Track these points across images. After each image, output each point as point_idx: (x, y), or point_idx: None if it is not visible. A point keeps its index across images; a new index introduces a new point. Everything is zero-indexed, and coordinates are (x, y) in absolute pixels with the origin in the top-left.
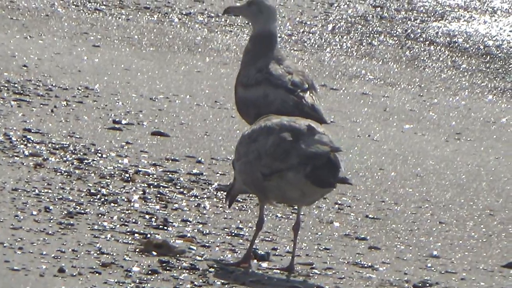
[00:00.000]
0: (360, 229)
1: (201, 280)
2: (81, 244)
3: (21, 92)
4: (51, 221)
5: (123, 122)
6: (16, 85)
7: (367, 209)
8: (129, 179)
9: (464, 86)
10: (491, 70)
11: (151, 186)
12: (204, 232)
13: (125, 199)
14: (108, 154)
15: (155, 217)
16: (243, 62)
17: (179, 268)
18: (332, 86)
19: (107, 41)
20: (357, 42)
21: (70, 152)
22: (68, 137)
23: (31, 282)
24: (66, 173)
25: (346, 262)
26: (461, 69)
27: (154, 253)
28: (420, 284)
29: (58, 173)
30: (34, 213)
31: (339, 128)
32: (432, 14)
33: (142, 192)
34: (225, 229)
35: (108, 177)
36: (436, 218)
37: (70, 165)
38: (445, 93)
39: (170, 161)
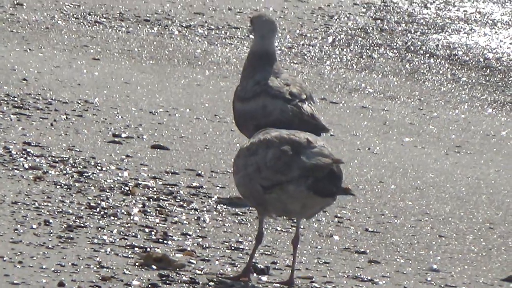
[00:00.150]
0: (359, 242)
1: None
2: (81, 258)
3: (21, 105)
4: (51, 234)
5: (123, 135)
6: (15, 98)
7: (366, 223)
8: (128, 192)
9: (464, 99)
10: (491, 83)
11: (151, 199)
12: (204, 245)
13: (125, 213)
14: (108, 167)
15: (154, 231)
16: (241, 77)
17: (179, 282)
18: (332, 99)
19: (107, 54)
20: (357, 55)
21: (70, 165)
22: (68, 150)
23: None
24: (66, 186)
25: (346, 276)
26: (461, 82)
27: (154, 267)
28: None
29: (58, 186)
30: (34, 226)
31: (339, 142)
32: (432, 26)
33: (141, 205)
34: (225, 243)
35: (108, 190)
36: (435, 231)
37: (70, 178)
38: (444, 106)
39: (170, 174)
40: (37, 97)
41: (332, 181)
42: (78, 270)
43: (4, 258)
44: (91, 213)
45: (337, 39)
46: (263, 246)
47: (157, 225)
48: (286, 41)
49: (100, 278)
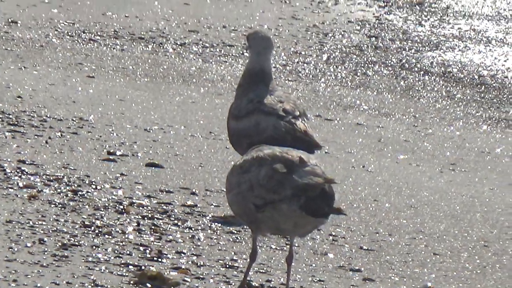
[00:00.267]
0: (354, 260)
1: None
2: (76, 276)
3: (16, 123)
4: (46, 253)
5: (118, 153)
6: (10, 116)
7: (361, 241)
8: (123, 210)
9: (459, 116)
10: (486, 100)
11: (146, 218)
12: (199, 263)
13: (120, 231)
14: (102, 186)
15: (149, 249)
16: (236, 95)
17: None
18: (326, 116)
19: (102, 72)
20: (352, 72)
21: (64, 183)
22: (63, 168)
23: None
24: (60, 205)
25: None
26: (455, 99)
27: (149, 285)
28: None
29: (52, 205)
30: (29, 245)
31: (334, 159)
32: (427, 44)
33: (136, 224)
34: (220, 261)
35: (102, 209)
36: (430, 249)
37: (65, 196)
38: (439, 123)
39: (165, 192)
40: (32, 115)
41: (324, 200)
42: None
43: None
44: (85, 231)
45: (331, 56)
46: (257, 264)
47: (152, 243)
48: (281, 59)
49: None
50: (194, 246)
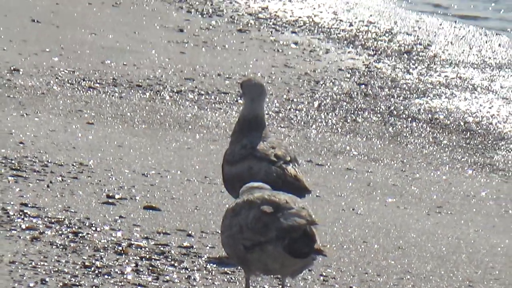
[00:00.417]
0: None
1: None
2: None
3: (18, 168)
4: None
5: (117, 196)
6: (13, 161)
7: (351, 281)
8: (122, 252)
9: (445, 161)
10: (471, 146)
11: (143, 259)
12: None
13: (118, 271)
14: (102, 228)
15: None
16: (230, 141)
17: None
18: (317, 161)
19: (101, 118)
20: (342, 119)
21: (65, 225)
22: (64, 211)
23: None
24: (61, 246)
25: None
26: (442, 145)
27: None
28: None
29: (54, 246)
30: (31, 285)
31: (325, 202)
32: (415, 91)
33: (134, 265)
34: None
35: (102, 250)
36: None
37: (66, 238)
38: (426, 168)
39: (162, 234)
40: (33, 160)
41: (305, 242)
42: None
43: None
44: (86, 272)
45: (322, 103)
46: None
47: (150, 283)
48: (274, 106)
49: None
50: (190, 286)
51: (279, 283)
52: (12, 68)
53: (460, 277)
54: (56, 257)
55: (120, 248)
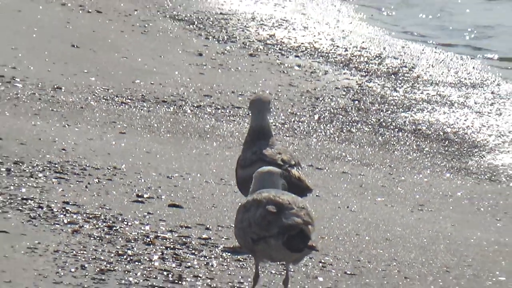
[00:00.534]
0: (339, 283)
1: None
2: None
3: (61, 171)
4: (87, 276)
5: (145, 196)
6: (56, 165)
7: (345, 267)
8: (150, 242)
9: (427, 166)
10: (449, 153)
11: (168, 248)
12: (212, 285)
13: (147, 259)
14: (132, 222)
15: (171, 274)
16: (242, 148)
17: None
18: (317, 166)
19: (132, 129)
20: (338, 129)
21: (101, 220)
22: (100, 208)
23: None
24: (98, 238)
25: None
26: (424, 152)
27: None
28: None
29: (91, 238)
30: (72, 270)
31: (323, 201)
32: (401, 106)
33: (160, 253)
34: (229, 283)
35: (133, 241)
36: (402, 274)
37: (102, 231)
38: (410, 171)
39: (184, 228)
40: (74, 164)
41: (301, 239)
42: None
43: None
44: (119, 259)
45: (322, 116)
46: (259, 286)
47: (174, 269)
48: (280, 118)
49: None
50: (208, 271)
51: (284, 268)
52: (55, 86)
53: (438, 264)
54: (93, 247)
55: (148, 239)
